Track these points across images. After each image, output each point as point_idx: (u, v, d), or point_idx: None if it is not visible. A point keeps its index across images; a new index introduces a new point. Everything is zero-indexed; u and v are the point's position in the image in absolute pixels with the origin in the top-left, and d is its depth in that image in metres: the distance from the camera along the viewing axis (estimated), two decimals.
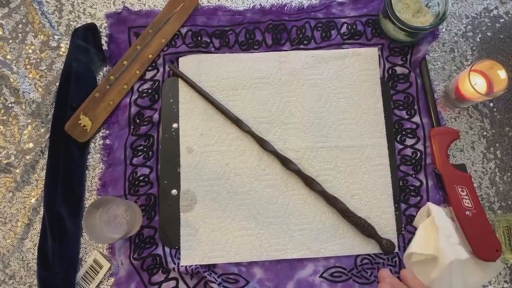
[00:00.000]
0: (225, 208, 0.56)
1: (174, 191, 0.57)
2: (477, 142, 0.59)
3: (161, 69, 0.60)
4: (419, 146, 0.58)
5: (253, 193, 0.56)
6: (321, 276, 0.54)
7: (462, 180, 0.55)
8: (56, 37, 0.61)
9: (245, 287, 0.54)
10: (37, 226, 0.57)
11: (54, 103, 0.59)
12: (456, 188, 0.55)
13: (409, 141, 0.58)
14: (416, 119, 0.59)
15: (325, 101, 0.59)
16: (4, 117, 0.60)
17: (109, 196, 0.54)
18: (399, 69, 0.60)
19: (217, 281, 0.53)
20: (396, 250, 0.55)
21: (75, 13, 0.62)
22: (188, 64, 0.60)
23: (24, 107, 0.60)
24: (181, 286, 0.54)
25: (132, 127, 0.58)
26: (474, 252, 0.52)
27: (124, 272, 0.54)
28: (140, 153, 0.57)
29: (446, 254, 0.49)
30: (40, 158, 0.59)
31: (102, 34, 0.61)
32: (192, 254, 0.54)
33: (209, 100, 0.58)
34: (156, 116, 0.59)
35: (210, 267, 0.54)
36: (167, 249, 0.55)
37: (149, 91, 0.59)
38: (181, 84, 0.59)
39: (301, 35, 0.61)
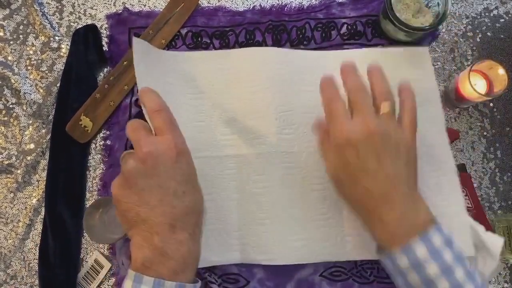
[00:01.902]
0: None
1: None
2: (477, 142, 0.59)
3: None
4: None
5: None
6: (321, 275, 0.54)
7: (462, 180, 0.55)
8: (57, 38, 0.61)
9: (245, 287, 0.54)
10: (38, 226, 0.57)
11: (55, 104, 0.59)
12: None
13: None
14: None
15: None
16: (5, 118, 0.60)
17: (109, 197, 0.54)
18: None
19: (217, 281, 0.53)
20: None
21: (75, 14, 0.63)
22: None
23: (25, 108, 0.60)
24: None
25: None
26: None
27: (125, 272, 0.54)
28: None
29: None
30: (41, 159, 0.59)
31: (102, 35, 0.62)
32: None
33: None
34: None
35: (210, 268, 0.54)
36: None
37: None
38: None
39: (301, 36, 0.61)
